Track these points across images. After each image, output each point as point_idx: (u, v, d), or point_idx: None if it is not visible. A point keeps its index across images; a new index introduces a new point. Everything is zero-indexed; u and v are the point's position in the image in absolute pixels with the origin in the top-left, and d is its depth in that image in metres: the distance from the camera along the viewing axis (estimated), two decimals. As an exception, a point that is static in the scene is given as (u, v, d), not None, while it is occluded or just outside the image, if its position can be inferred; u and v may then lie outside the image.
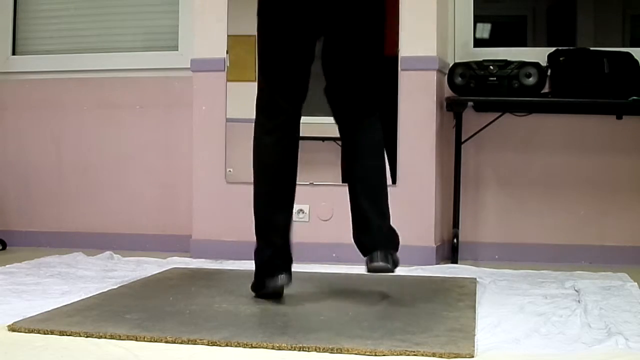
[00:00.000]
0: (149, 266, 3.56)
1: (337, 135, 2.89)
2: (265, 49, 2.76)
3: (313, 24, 2.70)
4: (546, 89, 3.82)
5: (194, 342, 2.12)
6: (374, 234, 2.71)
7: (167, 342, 2.14)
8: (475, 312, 2.56)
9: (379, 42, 2.87)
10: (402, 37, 3.79)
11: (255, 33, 2.80)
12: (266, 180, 2.76)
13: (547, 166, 4.00)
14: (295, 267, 2.85)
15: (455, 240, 3.84)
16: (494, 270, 3.49)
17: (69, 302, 2.64)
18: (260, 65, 2.81)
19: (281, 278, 2.65)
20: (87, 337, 2.18)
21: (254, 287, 2.77)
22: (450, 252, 3.88)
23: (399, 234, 2.79)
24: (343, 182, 3.78)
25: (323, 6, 2.68)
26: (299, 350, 2.06)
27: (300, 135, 2.82)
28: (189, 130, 4.10)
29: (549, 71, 3.81)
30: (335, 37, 2.75)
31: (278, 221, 2.73)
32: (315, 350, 2.06)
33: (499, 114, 3.93)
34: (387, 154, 3.76)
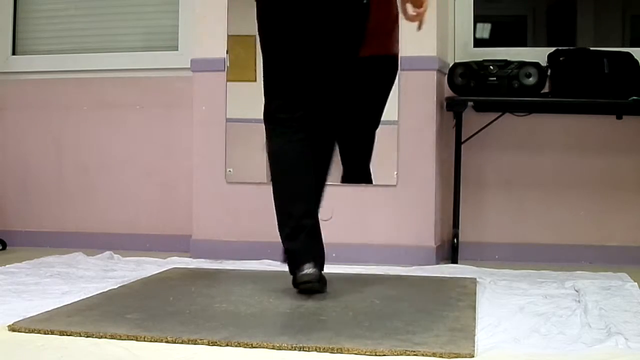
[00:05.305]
0: (149, 266, 3.55)
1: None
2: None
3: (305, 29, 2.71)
4: (546, 89, 3.82)
5: (194, 342, 2.12)
6: None
7: (167, 342, 2.14)
8: (475, 312, 2.56)
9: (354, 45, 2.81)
10: (402, 37, 3.79)
11: (256, 33, 2.81)
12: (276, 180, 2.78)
13: (547, 166, 4.00)
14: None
15: (455, 240, 3.84)
16: (494, 270, 3.49)
17: (69, 302, 2.63)
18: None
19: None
20: (87, 337, 2.18)
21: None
22: (450, 252, 3.88)
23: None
24: (342, 182, 3.80)
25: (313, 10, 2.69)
26: (299, 350, 2.06)
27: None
28: (189, 130, 4.10)
29: (549, 71, 3.81)
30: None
31: (292, 211, 2.74)
32: (315, 350, 2.06)
33: (499, 114, 3.93)
34: (385, 155, 3.75)
